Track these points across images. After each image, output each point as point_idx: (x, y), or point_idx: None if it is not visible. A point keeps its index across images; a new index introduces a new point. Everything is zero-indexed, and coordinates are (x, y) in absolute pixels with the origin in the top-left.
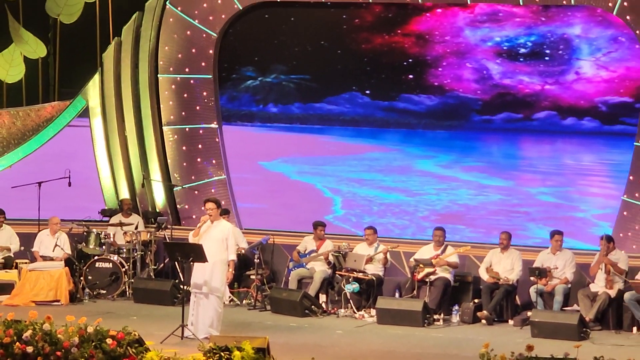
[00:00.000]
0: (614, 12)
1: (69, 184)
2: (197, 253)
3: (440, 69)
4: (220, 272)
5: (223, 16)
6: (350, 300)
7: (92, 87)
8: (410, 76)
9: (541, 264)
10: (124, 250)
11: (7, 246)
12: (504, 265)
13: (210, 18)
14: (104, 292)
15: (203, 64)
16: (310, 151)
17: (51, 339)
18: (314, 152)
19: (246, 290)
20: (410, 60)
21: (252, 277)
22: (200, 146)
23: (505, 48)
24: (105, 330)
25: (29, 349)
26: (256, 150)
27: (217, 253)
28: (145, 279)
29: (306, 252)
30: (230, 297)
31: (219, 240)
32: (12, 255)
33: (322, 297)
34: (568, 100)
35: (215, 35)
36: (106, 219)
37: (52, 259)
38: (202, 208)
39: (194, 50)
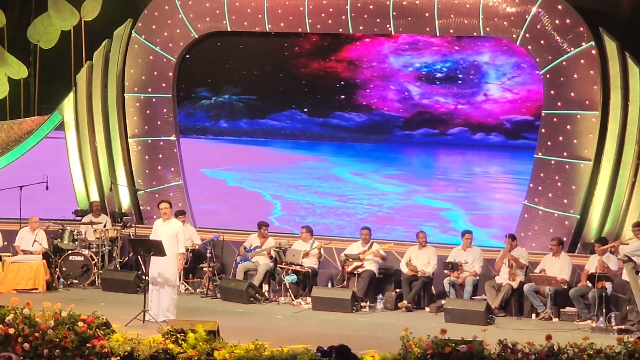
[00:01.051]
0: (518, 43)
1: (47, 188)
2: (157, 248)
3: (368, 90)
4: (172, 264)
5: (181, 43)
6: (289, 290)
7: (67, 104)
8: (342, 96)
9: (453, 259)
10: (94, 245)
11: None
12: (421, 260)
13: (170, 45)
14: (76, 281)
15: (163, 84)
16: (255, 160)
17: (30, 322)
18: (258, 162)
19: (199, 280)
20: (342, 82)
21: (205, 269)
22: (160, 156)
23: (424, 73)
24: (77, 314)
25: (11, 331)
26: (208, 160)
27: (170, 247)
28: (112, 270)
29: (251, 247)
30: (185, 286)
31: (171, 237)
32: None
33: (265, 287)
34: (477, 118)
35: (174, 59)
36: (78, 218)
37: (31, 253)
38: (157, 207)
39: (155, 73)
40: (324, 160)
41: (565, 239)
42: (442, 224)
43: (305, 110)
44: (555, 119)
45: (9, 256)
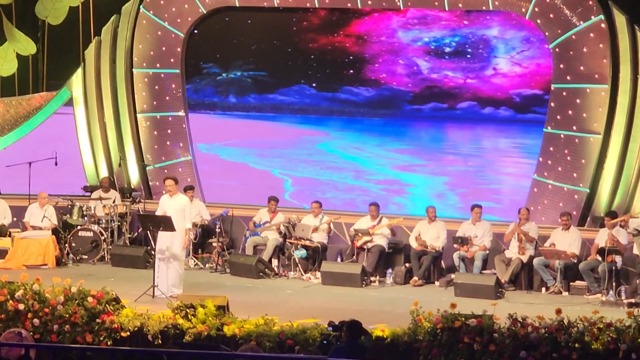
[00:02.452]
0: (527, 17)
1: (56, 164)
2: (166, 223)
3: (376, 65)
4: (179, 239)
5: (189, 19)
6: (299, 264)
7: (76, 80)
8: (351, 71)
9: (463, 233)
10: (103, 221)
11: (1, 223)
12: (430, 235)
13: (178, 20)
14: (86, 257)
15: (172, 60)
16: (265, 135)
17: (40, 298)
18: (267, 136)
19: (209, 255)
20: (350, 57)
21: (214, 244)
22: (169, 131)
23: (432, 47)
24: (86, 290)
25: (21, 306)
26: (216, 135)
27: (177, 222)
28: (122, 246)
29: (261, 222)
30: (194, 261)
31: (178, 211)
32: (6, 225)
33: (275, 262)
34: (487, 92)
35: (182, 35)
36: (88, 194)
37: (40, 229)
38: (163, 183)
39: (164, 48)
40: (333, 135)
41: (574, 212)
42: (451, 197)
43: (314, 85)
44: (564, 93)
45: (18, 232)
